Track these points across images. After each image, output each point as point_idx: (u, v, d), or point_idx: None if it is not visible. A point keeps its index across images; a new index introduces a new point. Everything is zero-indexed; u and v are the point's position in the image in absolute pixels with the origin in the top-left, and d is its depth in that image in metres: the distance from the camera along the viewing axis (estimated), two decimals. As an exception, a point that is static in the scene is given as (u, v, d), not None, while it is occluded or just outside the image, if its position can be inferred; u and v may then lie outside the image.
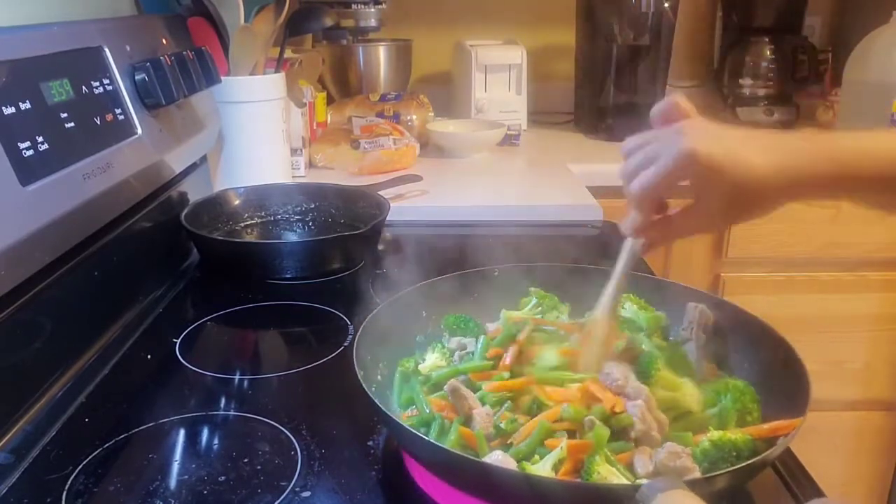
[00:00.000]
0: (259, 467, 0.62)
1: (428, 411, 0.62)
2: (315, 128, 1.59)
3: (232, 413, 0.72)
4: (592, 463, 0.53)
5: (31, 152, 0.69)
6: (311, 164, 1.52)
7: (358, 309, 0.90)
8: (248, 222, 1.20)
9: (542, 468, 0.54)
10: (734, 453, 0.54)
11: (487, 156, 1.63)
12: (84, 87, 0.82)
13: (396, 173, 1.37)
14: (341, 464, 0.63)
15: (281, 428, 0.68)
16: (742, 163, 0.55)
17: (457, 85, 1.91)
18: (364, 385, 0.59)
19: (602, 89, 1.76)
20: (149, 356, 0.84)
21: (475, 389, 0.64)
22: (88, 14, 0.99)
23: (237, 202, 1.20)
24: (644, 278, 0.80)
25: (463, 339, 0.73)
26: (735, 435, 0.55)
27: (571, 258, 0.88)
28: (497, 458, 0.55)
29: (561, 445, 0.55)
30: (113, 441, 0.66)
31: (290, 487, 0.59)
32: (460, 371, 0.66)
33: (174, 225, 1.05)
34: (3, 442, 0.66)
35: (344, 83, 1.86)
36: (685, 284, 0.77)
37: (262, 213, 1.21)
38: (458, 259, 0.90)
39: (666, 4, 1.67)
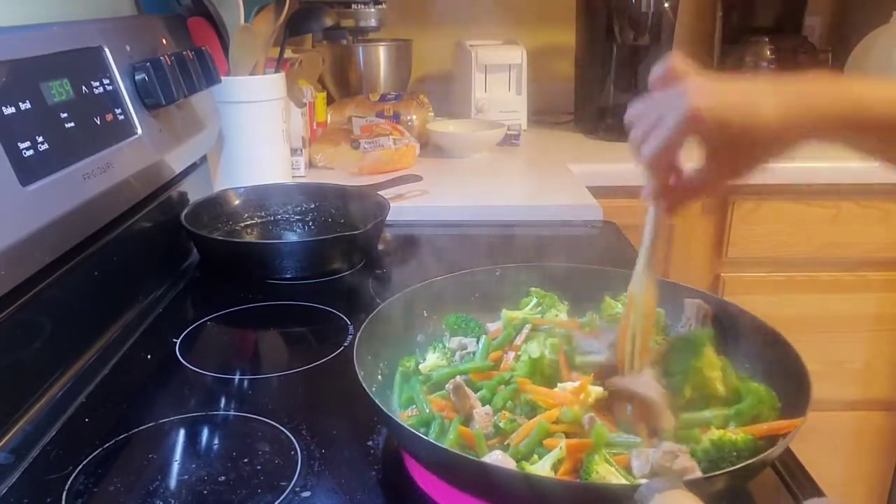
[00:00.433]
0: (259, 467, 0.62)
1: (428, 411, 0.62)
2: (315, 128, 1.59)
3: (232, 413, 0.72)
4: (591, 462, 0.53)
5: (31, 152, 0.69)
6: (311, 164, 1.52)
7: (358, 309, 0.91)
8: (248, 222, 1.20)
9: (541, 468, 0.54)
10: (734, 453, 0.54)
11: (487, 156, 1.63)
12: (84, 87, 0.82)
13: (396, 173, 1.37)
14: (341, 464, 0.63)
15: (281, 428, 0.68)
16: (747, 112, 0.55)
17: (457, 85, 1.91)
18: (364, 385, 0.59)
19: (602, 89, 1.76)
20: (149, 356, 0.84)
21: (476, 389, 0.64)
22: (88, 14, 0.99)
23: (237, 202, 1.20)
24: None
25: (464, 339, 0.73)
26: (735, 435, 0.55)
27: (571, 258, 0.88)
28: (496, 457, 0.55)
29: (560, 445, 0.55)
30: (113, 441, 0.66)
31: (290, 487, 0.59)
32: (461, 371, 0.66)
33: (174, 225, 1.05)
34: (3, 442, 0.66)
35: (344, 83, 1.86)
36: (685, 284, 0.77)
37: (262, 213, 1.21)
38: (458, 259, 0.90)
39: (666, 4, 1.67)
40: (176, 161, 1.03)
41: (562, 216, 1.26)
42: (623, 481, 0.53)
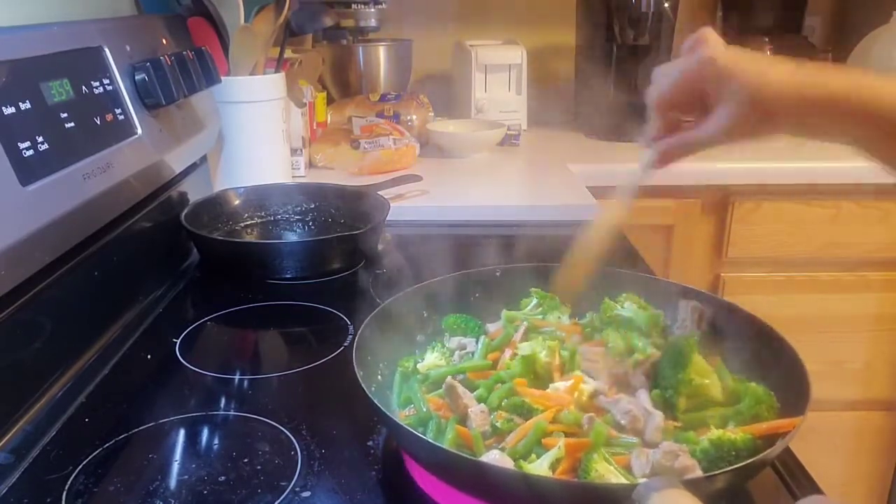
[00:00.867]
0: (259, 467, 0.62)
1: (425, 410, 0.62)
2: (315, 128, 1.59)
3: (232, 413, 0.72)
4: (590, 462, 0.53)
5: (31, 152, 0.69)
6: (311, 164, 1.52)
7: (358, 309, 0.90)
8: (248, 222, 1.20)
9: (539, 467, 0.54)
10: (733, 453, 0.54)
11: (487, 156, 1.63)
12: (84, 87, 0.82)
13: (396, 173, 1.37)
14: (341, 464, 0.63)
15: (281, 428, 0.68)
16: (757, 71, 0.58)
17: (457, 85, 1.91)
18: (364, 385, 0.59)
19: (602, 89, 1.76)
20: (149, 356, 0.84)
21: (473, 389, 0.64)
22: (88, 14, 0.99)
23: (237, 202, 1.20)
24: (644, 277, 0.80)
25: (463, 339, 0.73)
26: (734, 434, 0.55)
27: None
28: (494, 457, 0.55)
29: (559, 444, 0.55)
30: (113, 441, 0.66)
31: (290, 487, 0.60)
32: (458, 370, 0.66)
33: (174, 225, 1.05)
34: (3, 442, 0.66)
35: (344, 83, 1.86)
36: (685, 284, 0.77)
37: (262, 213, 1.21)
38: (458, 259, 0.90)
39: (666, 4, 1.67)
40: (176, 161, 1.03)
41: (562, 216, 1.26)
42: (622, 480, 0.53)
